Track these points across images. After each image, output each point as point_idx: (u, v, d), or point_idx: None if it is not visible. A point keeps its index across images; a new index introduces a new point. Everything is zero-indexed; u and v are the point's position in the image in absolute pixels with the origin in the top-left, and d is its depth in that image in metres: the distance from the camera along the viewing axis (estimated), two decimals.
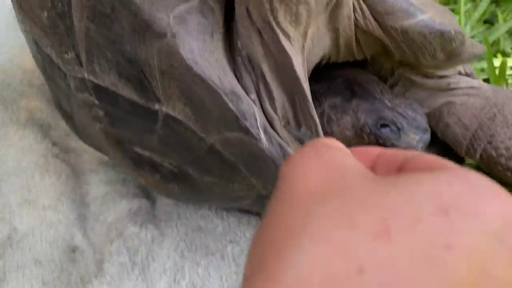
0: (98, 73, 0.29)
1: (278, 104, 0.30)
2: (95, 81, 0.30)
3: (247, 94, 0.29)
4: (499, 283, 0.14)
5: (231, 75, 0.27)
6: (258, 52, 0.28)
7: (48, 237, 0.44)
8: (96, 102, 0.31)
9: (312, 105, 0.30)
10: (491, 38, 0.56)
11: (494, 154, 0.40)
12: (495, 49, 0.56)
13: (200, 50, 0.24)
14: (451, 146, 0.42)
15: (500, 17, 0.59)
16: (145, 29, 0.25)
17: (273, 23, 0.25)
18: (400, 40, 0.30)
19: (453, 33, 0.28)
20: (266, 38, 0.27)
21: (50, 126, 0.50)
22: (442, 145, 0.43)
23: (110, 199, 0.47)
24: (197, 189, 0.35)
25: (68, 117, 0.40)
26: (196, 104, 0.27)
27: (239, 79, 0.29)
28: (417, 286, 0.13)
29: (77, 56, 0.29)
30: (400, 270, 0.13)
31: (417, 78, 0.38)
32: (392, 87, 0.40)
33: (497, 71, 0.52)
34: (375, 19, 0.29)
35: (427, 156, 0.19)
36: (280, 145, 0.27)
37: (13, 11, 0.34)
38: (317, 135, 0.31)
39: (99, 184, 0.49)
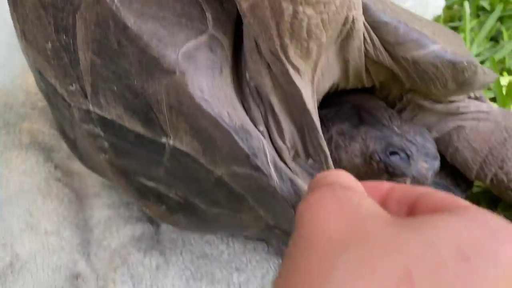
0: (103, 105, 0.28)
1: (287, 135, 0.29)
2: (100, 113, 0.29)
3: (256, 125, 0.28)
4: None
5: (240, 109, 0.26)
6: (266, 84, 0.27)
7: (50, 263, 0.43)
8: (101, 133, 0.31)
9: (322, 137, 0.29)
10: (497, 57, 0.55)
11: (505, 179, 0.39)
12: (501, 67, 0.56)
13: (209, 87, 0.24)
14: (461, 170, 0.41)
15: (505, 34, 0.58)
16: (153, 65, 0.24)
17: (283, 57, 0.25)
18: (411, 70, 0.29)
19: (465, 63, 0.28)
20: (275, 71, 0.26)
21: (52, 149, 0.49)
22: (451, 168, 0.42)
23: (113, 224, 0.46)
24: (204, 220, 0.34)
25: (72, 144, 0.39)
26: (205, 139, 0.26)
27: (247, 110, 0.28)
28: None
29: (82, 88, 0.29)
30: None
31: (426, 103, 0.38)
32: (400, 112, 0.39)
33: (504, 90, 0.51)
34: (386, 49, 0.29)
35: (439, 193, 0.19)
36: (291, 180, 0.26)
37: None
38: (327, 167, 0.31)
39: (102, 207, 0.48)
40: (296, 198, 0.26)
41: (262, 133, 0.29)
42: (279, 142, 0.29)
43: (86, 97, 0.29)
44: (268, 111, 0.28)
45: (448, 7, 0.62)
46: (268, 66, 0.26)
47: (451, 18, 0.63)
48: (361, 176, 0.36)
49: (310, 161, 0.31)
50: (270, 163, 0.25)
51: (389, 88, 0.37)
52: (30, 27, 0.30)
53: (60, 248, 0.44)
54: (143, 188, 0.33)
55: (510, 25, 0.60)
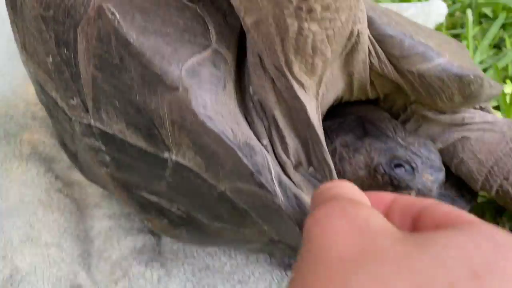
0: (105, 120, 0.28)
1: (291, 149, 0.29)
2: (102, 127, 0.29)
3: (259, 139, 0.28)
4: None
5: (244, 124, 0.26)
6: (270, 99, 0.27)
7: (51, 276, 0.43)
8: (103, 147, 0.30)
9: (327, 151, 0.29)
10: (500, 64, 0.55)
11: (510, 190, 0.39)
12: (504, 75, 0.56)
13: (213, 103, 0.23)
14: (466, 181, 0.41)
15: (508, 41, 0.58)
16: (156, 81, 0.24)
17: (287, 73, 0.24)
18: (417, 83, 0.29)
19: (472, 77, 0.27)
20: (279, 86, 0.26)
21: (53, 159, 0.49)
22: (455, 179, 0.42)
23: (114, 235, 0.46)
24: (206, 234, 0.33)
25: (73, 156, 0.39)
26: (208, 155, 0.26)
27: (250, 123, 0.28)
28: None
29: (83, 102, 0.28)
30: None
31: (431, 114, 0.37)
32: (404, 122, 0.39)
33: (507, 99, 0.51)
34: (391, 62, 0.28)
35: (443, 206, 0.19)
36: (296, 197, 0.26)
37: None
38: (332, 180, 0.30)
39: (102, 218, 0.48)
40: (301, 215, 0.26)
41: (265, 147, 0.28)
42: (283, 156, 0.29)
43: (87, 111, 0.29)
44: (272, 125, 0.28)
45: (450, 14, 0.62)
46: (272, 81, 0.26)
47: (453, 25, 0.62)
48: (365, 188, 0.35)
49: (311, 169, 0.30)
50: (274, 180, 0.25)
51: (393, 99, 0.36)
52: (30, 40, 0.30)
53: (61, 260, 0.44)
54: (145, 202, 0.33)
55: None
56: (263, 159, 0.25)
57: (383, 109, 0.38)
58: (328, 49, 0.23)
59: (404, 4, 0.59)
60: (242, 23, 0.23)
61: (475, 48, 0.57)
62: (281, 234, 0.30)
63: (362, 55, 0.27)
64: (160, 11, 0.24)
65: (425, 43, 0.28)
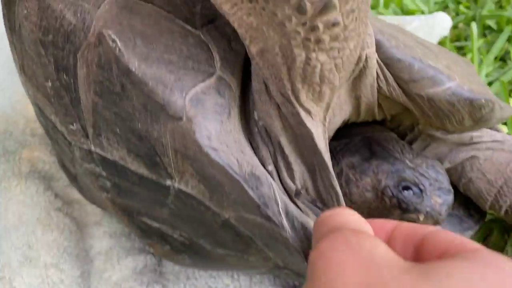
0: (105, 146, 0.27)
1: (297, 175, 0.28)
2: (102, 153, 0.28)
3: (264, 165, 0.27)
4: None
5: (249, 152, 0.25)
6: (276, 124, 0.26)
7: None
8: (103, 173, 0.29)
9: (334, 177, 0.28)
10: (506, 78, 0.54)
11: None
12: (510, 88, 0.55)
13: (218, 133, 0.23)
14: (474, 201, 0.40)
15: None
16: (159, 111, 0.23)
17: (294, 101, 0.23)
18: (426, 107, 0.28)
19: (483, 101, 0.27)
20: (285, 112, 0.25)
21: (52, 177, 0.48)
22: (463, 198, 0.41)
23: (114, 255, 0.45)
24: (210, 260, 0.32)
25: (72, 178, 0.38)
26: (212, 184, 0.25)
27: (255, 149, 0.27)
28: None
29: (83, 128, 0.28)
30: None
31: (438, 134, 0.36)
32: (411, 142, 0.38)
33: None
34: (399, 86, 0.28)
35: (445, 234, 0.19)
36: (303, 226, 0.25)
37: None
38: (339, 206, 0.29)
39: (103, 237, 0.47)
40: (309, 246, 0.25)
41: (271, 173, 0.27)
42: (289, 182, 0.28)
43: (87, 137, 0.28)
44: (278, 151, 0.27)
45: (453, 26, 0.61)
46: (278, 107, 0.25)
47: (457, 37, 0.62)
48: (372, 210, 0.35)
49: (316, 195, 0.29)
50: (281, 212, 0.24)
51: (400, 119, 0.36)
52: (29, 63, 0.29)
53: (60, 281, 0.43)
54: (147, 227, 0.32)
55: None
56: (270, 189, 0.24)
57: (389, 129, 0.38)
58: (336, 77, 0.22)
59: (408, 17, 0.58)
60: (247, 50, 0.22)
61: (480, 61, 0.56)
62: (286, 261, 0.30)
63: (370, 79, 0.26)
64: (162, 37, 0.23)
65: (435, 66, 0.27)
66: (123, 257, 0.45)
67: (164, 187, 0.27)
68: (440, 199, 0.33)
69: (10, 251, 0.43)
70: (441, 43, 0.59)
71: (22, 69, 0.31)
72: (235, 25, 0.20)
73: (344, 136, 0.36)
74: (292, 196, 0.28)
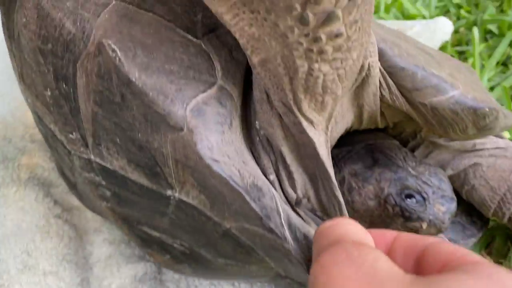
0: (105, 156, 0.27)
1: (298, 184, 0.28)
2: (102, 163, 0.28)
3: (266, 175, 0.27)
4: None
5: (251, 163, 0.25)
6: (277, 134, 0.26)
7: None
8: (103, 182, 0.29)
9: (336, 186, 0.28)
10: (507, 83, 0.54)
11: None
12: (511, 93, 0.55)
13: (219, 144, 0.22)
14: (477, 208, 0.40)
15: None
16: (159, 121, 0.23)
17: (296, 111, 0.23)
18: (429, 116, 0.28)
19: (487, 110, 0.26)
20: (287, 122, 0.25)
21: (51, 184, 0.48)
22: (465, 205, 0.41)
23: (114, 262, 0.45)
24: (210, 269, 0.32)
25: (71, 185, 0.37)
26: (214, 195, 0.25)
27: (256, 158, 0.27)
28: None
29: (83, 137, 0.27)
30: None
31: (441, 141, 0.36)
32: (413, 149, 0.38)
33: None
34: (402, 95, 0.27)
35: (446, 245, 0.19)
36: (305, 237, 0.25)
37: None
38: (341, 215, 0.29)
39: (102, 244, 0.46)
40: (311, 256, 0.25)
41: (272, 182, 0.27)
42: (290, 191, 0.28)
43: (87, 146, 0.28)
44: (279, 160, 0.27)
45: (455, 31, 0.61)
46: (279, 117, 0.25)
47: (458, 42, 0.62)
48: (374, 218, 0.34)
49: (317, 204, 0.29)
50: (284, 223, 0.23)
51: (403, 126, 0.35)
52: (28, 71, 0.29)
53: None
54: (147, 237, 0.31)
55: None
56: (272, 200, 0.24)
57: (391, 136, 0.37)
58: (339, 87, 0.22)
59: (409, 22, 0.58)
60: (249, 60, 0.22)
61: (482, 66, 0.56)
62: (288, 271, 0.29)
63: (373, 88, 0.26)
64: (163, 47, 0.23)
65: (438, 75, 0.27)
66: (123, 265, 0.44)
67: (165, 197, 0.27)
68: (443, 207, 0.33)
69: (9, 259, 0.43)
70: (443, 48, 0.58)
71: (21, 77, 0.31)
72: (237, 36, 0.20)
73: (346, 144, 0.36)
74: (293, 205, 0.28)
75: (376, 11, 0.64)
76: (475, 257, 0.18)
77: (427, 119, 0.28)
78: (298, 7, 0.17)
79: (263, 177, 0.26)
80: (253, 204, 0.23)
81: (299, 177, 0.28)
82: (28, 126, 0.49)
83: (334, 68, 0.20)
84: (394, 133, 0.37)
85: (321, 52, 0.19)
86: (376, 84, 0.26)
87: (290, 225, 0.24)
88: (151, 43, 0.23)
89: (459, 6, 0.66)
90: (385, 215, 0.34)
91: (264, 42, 0.20)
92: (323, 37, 0.18)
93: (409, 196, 0.32)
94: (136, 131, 0.24)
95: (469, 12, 0.65)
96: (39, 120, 0.32)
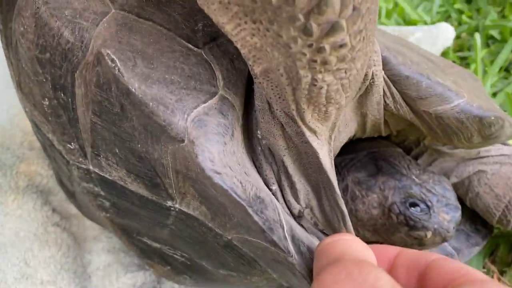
0: (104, 166, 0.26)
1: (301, 194, 0.27)
2: (101, 173, 0.27)
3: (268, 185, 0.26)
4: None
5: (253, 173, 0.24)
6: (279, 144, 0.25)
7: None
8: (102, 193, 0.29)
9: (340, 196, 0.27)
10: (510, 89, 0.54)
11: None
12: None
13: (221, 156, 0.22)
14: (481, 215, 0.39)
15: None
16: (160, 132, 0.22)
17: (299, 121, 0.23)
18: (434, 124, 0.27)
19: (493, 118, 0.26)
20: (289, 132, 0.24)
21: (50, 191, 0.47)
22: (469, 213, 0.40)
23: (113, 271, 0.44)
24: (211, 280, 0.32)
25: (70, 194, 0.37)
26: (215, 206, 0.24)
27: (258, 168, 0.26)
28: None
29: (81, 147, 0.27)
30: None
31: (445, 148, 0.36)
32: (417, 157, 0.37)
33: None
34: (407, 103, 0.27)
35: (450, 262, 0.19)
36: (309, 249, 0.24)
37: None
38: (344, 225, 0.28)
39: (101, 252, 0.46)
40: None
41: (274, 192, 0.27)
42: (293, 201, 0.27)
43: (85, 156, 0.27)
44: (282, 170, 0.26)
45: (456, 36, 0.61)
46: (282, 127, 0.24)
47: (460, 47, 0.61)
48: (378, 227, 0.34)
49: (319, 216, 0.28)
50: (287, 236, 0.23)
51: (406, 134, 0.35)
52: (26, 80, 0.29)
53: None
54: (147, 248, 0.31)
55: None
56: (274, 212, 0.23)
57: (395, 144, 0.37)
58: (342, 97, 0.21)
59: (410, 27, 0.58)
60: (250, 70, 0.21)
61: (484, 72, 0.56)
62: (291, 283, 0.29)
63: (376, 97, 0.26)
64: (163, 56, 0.22)
65: (443, 83, 0.26)
66: (122, 274, 0.44)
67: (165, 208, 0.27)
68: (448, 215, 0.32)
69: (6, 268, 0.43)
70: (444, 54, 0.58)
71: (19, 85, 0.30)
72: (238, 45, 0.20)
73: (349, 151, 0.36)
74: (296, 215, 0.27)
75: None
76: (479, 275, 0.18)
77: (431, 128, 0.28)
78: (301, 17, 0.17)
79: (266, 188, 0.25)
80: (255, 217, 0.22)
81: (302, 187, 0.27)
82: (26, 134, 0.48)
83: (337, 78, 0.20)
84: (397, 140, 0.36)
85: (324, 62, 0.18)
86: (380, 93, 0.26)
87: (294, 238, 0.24)
88: (151, 53, 0.22)
89: (460, 12, 0.66)
90: (389, 223, 0.33)
91: (266, 52, 0.19)
92: (327, 47, 0.18)
93: (414, 204, 0.32)
94: (136, 142, 0.24)
95: (470, 17, 0.64)
96: (37, 129, 0.31)
